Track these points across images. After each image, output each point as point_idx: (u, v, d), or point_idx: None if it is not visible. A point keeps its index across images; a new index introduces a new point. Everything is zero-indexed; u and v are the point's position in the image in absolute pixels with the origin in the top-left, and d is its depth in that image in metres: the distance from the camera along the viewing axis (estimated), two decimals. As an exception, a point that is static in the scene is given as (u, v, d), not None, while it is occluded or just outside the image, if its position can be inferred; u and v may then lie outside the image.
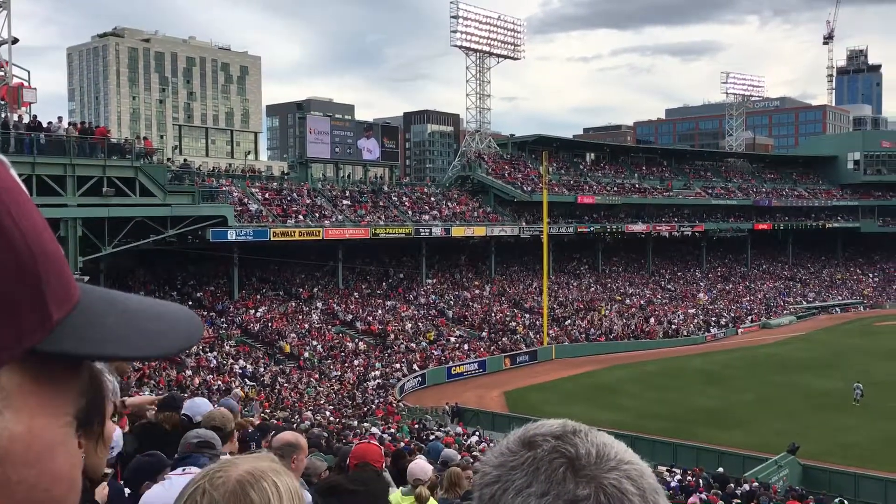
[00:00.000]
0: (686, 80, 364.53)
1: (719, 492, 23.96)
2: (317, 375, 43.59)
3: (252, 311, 49.69)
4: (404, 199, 62.40)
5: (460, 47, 72.11)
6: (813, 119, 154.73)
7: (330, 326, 51.27)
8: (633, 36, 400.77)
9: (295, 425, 20.43)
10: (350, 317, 53.22)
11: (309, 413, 31.01)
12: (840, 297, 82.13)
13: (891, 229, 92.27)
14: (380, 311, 54.93)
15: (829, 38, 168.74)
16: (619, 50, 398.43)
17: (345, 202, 57.52)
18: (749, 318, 70.98)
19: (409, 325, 53.88)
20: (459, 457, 13.09)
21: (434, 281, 62.34)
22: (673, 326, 64.37)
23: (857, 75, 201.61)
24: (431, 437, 25.60)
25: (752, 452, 30.94)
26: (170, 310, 0.85)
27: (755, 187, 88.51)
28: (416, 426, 32.60)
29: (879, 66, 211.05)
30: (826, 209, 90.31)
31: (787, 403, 40.86)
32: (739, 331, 66.72)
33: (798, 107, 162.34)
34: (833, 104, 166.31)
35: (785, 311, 74.77)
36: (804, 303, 78.71)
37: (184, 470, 4.10)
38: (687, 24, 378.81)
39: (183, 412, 5.86)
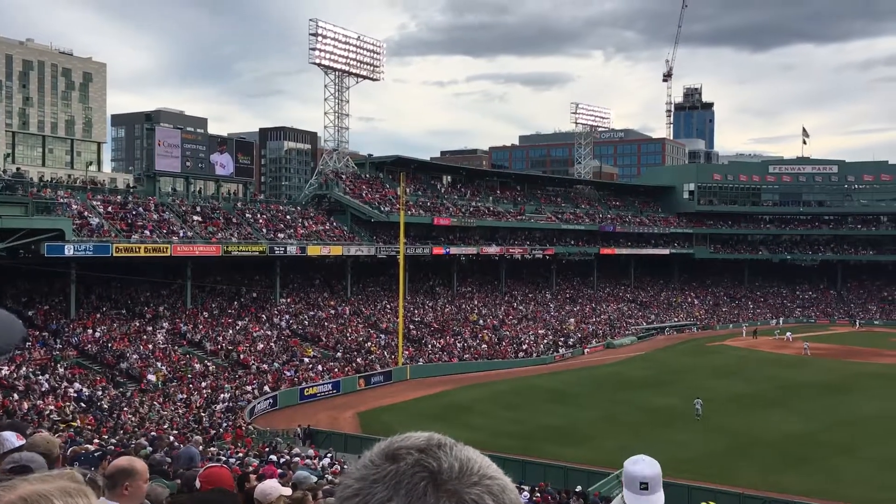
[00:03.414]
0: (538, 109, 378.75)
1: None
2: (161, 398, 41.48)
3: (90, 331, 46.76)
4: (259, 216, 60.92)
5: (319, 65, 71.56)
6: (653, 151, 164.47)
7: (176, 347, 49.04)
8: (487, 64, 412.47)
9: (135, 450, 19.26)
10: (198, 337, 51.16)
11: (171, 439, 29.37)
12: (676, 319, 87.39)
13: (720, 256, 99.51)
14: (230, 331, 53.16)
15: (668, 76, 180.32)
16: (473, 77, 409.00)
17: (195, 218, 55.42)
18: (594, 338, 74.07)
19: (261, 346, 52.45)
20: (315, 478, 12.76)
21: (288, 300, 61.10)
22: (524, 346, 66.13)
23: (692, 111, 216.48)
24: (282, 459, 24.88)
25: (596, 468, 32.12)
26: None
27: (601, 214, 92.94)
28: (266, 449, 31.61)
29: (712, 104, 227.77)
30: (664, 236, 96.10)
31: (629, 420, 42.83)
32: (586, 351, 69.46)
33: (640, 139, 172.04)
34: (671, 137, 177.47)
35: (627, 332, 78.62)
36: (644, 324, 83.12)
37: None
38: (537, 56, 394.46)
39: None
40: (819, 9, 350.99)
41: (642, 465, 3.88)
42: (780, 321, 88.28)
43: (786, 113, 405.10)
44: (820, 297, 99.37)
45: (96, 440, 24.63)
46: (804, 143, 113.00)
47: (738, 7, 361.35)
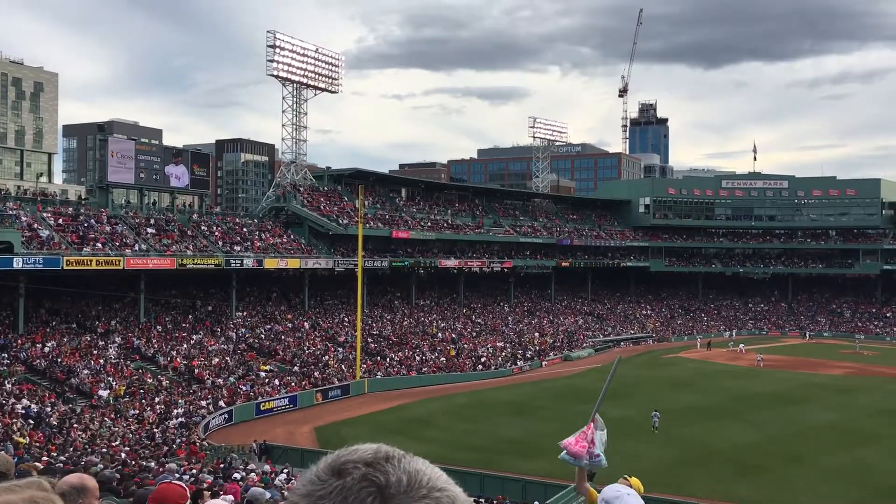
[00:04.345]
0: (496, 123, 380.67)
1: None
2: (112, 415, 40.59)
3: (39, 346, 45.61)
4: (215, 228, 60.18)
5: (277, 77, 71.15)
6: (610, 165, 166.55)
7: (129, 362, 48.08)
8: (445, 77, 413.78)
9: (85, 467, 18.80)
10: (152, 351, 50.23)
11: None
12: (632, 331, 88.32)
13: (675, 269, 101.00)
14: (185, 346, 52.30)
15: (623, 92, 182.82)
16: (431, 90, 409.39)
17: (149, 230, 54.53)
18: (552, 351, 74.47)
19: (217, 360, 51.69)
20: (269, 495, 12.58)
21: (244, 314, 60.37)
22: (483, 359, 66.17)
23: (647, 127, 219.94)
24: (237, 476, 24.50)
25: (553, 480, 32.19)
26: None
27: (559, 227, 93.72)
28: (221, 465, 31.09)
29: (666, 120, 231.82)
30: (621, 249, 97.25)
31: (586, 432, 43.00)
32: (544, 363, 69.77)
33: (596, 153, 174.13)
34: (627, 152, 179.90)
35: (584, 344, 79.22)
36: (601, 336, 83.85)
37: None
38: (494, 70, 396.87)
39: None
40: (768, 28, 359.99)
41: None
42: (733, 333, 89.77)
43: (738, 129, 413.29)
44: (771, 309, 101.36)
45: (45, 457, 24.03)
46: (755, 158, 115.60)
47: (690, 25, 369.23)
